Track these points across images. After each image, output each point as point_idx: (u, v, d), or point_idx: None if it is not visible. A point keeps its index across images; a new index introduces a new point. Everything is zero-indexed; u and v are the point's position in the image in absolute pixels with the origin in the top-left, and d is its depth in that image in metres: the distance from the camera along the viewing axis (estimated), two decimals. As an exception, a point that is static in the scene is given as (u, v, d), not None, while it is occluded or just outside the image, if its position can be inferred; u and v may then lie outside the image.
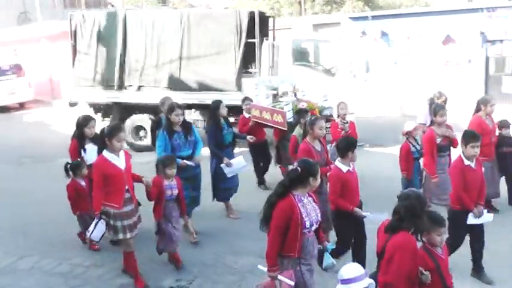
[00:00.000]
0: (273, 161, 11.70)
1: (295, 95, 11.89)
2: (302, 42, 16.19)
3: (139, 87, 15.96)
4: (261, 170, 11.65)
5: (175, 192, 7.45)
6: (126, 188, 6.81)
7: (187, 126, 8.55)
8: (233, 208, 9.76)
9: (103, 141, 6.78)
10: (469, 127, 8.81)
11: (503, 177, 9.77)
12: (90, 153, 8.12)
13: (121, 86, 16.10)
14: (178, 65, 15.46)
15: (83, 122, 8.41)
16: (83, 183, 8.22)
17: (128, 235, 6.83)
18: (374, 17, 21.86)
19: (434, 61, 21.49)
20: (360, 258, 6.81)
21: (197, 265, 7.42)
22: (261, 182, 11.65)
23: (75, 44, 16.47)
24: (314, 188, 5.35)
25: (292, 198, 5.12)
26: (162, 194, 7.29)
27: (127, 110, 16.38)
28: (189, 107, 13.82)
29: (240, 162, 9.48)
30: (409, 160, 9.25)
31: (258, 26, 14.74)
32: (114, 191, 6.70)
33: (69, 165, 8.26)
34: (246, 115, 11.38)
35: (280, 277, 5.09)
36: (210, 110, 9.71)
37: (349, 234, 7.00)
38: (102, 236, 6.81)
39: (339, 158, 6.91)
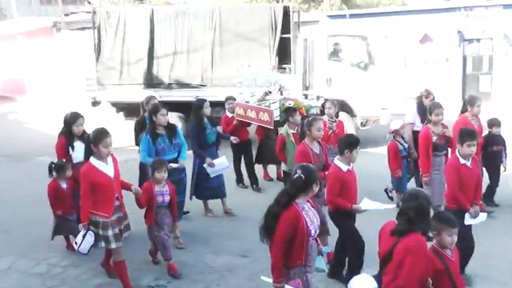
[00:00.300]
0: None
1: (281, 93, 11.40)
2: (337, 37, 15.85)
3: (168, 85, 15.67)
4: (239, 168, 11.40)
5: (167, 198, 7.23)
6: (116, 196, 6.51)
7: (171, 128, 8.26)
8: (210, 207, 9.65)
9: (89, 147, 6.43)
10: (454, 127, 8.72)
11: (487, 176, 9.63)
12: (79, 151, 7.83)
13: (149, 84, 15.79)
14: (210, 61, 15.22)
15: (71, 119, 8.07)
16: (64, 185, 7.88)
17: (120, 243, 6.51)
18: (352, 16, 21.90)
19: (412, 60, 21.63)
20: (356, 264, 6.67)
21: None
22: (240, 180, 11.48)
23: (99, 41, 16.21)
24: (314, 194, 5.20)
25: (296, 207, 4.94)
26: (153, 200, 7.09)
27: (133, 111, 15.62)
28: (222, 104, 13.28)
29: (223, 162, 9.34)
30: (398, 159, 9.21)
31: (289, 21, 14.66)
32: (103, 199, 6.38)
33: (53, 165, 7.94)
34: (229, 114, 11.15)
35: (287, 287, 4.95)
36: (193, 109, 9.44)
37: (355, 231, 6.67)
38: (91, 248, 6.45)
39: (338, 157, 6.70)
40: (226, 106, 11.29)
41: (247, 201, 10.06)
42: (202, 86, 15.20)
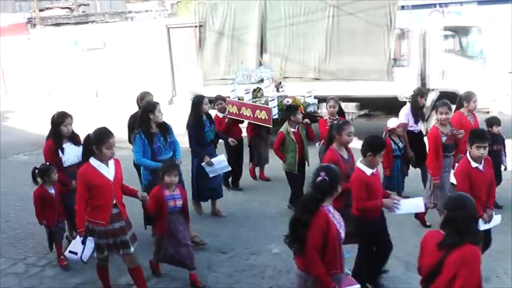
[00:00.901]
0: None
1: (277, 90, 10.82)
2: (451, 29, 15.31)
3: (282, 79, 14.67)
4: (235, 169, 10.71)
5: (179, 203, 6.69)
6: (114, 202, 6.03)
7: (165, 127, 7.79)
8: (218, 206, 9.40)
9: (90, 148, 5.92)
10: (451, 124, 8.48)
11: None
12: (69, 153, 7.45)
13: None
14: (324, 54, 14.46)
15: (59, 119, 7.45)
16: (52, 190, 7.37)
17: (115, 253, 6.15)
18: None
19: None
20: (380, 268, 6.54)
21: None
22: (235, 182, 11.05)
23: (204, 35, 15.87)
24: (336, 195, 4.88)
25: (324, 211, 4.63)
26: (164, 206, 6.54)
27: None
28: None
29: (222, 161, 9.00)
30: (390, 158, 8.99)
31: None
32: (101, 205, 5.92)
33: (37, 171, 7.35)
34: (220, 115, 10.62)
35: None
36: (192, 106, 8.98)
37: (374, 241, 6.35)
38: (92, 254, 6.03)
39: (360, 159, 6.23)
40: (216, 107, 10.70)
41: (226, 198, 9.98)
42: (317, 79, 14.45)
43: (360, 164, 6.18)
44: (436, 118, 8.16)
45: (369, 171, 6.07)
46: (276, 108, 10.11)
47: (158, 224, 6.66)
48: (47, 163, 7.39)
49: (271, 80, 11.00)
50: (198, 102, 8.90)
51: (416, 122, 9.49)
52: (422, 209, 6.72)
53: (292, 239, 4.73)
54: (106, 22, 30.51)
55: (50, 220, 7.39)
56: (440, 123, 8.07)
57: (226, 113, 10.61)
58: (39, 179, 7.36)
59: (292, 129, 8.94)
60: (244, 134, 11.25)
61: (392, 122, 9.24)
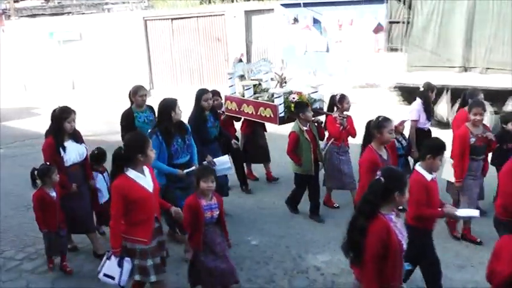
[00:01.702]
0: None
1: (280, 85, 9.85)
2: None
3: (484, 69, 14.12)
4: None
5: (217, 213, 5.95)
6: (155, 215, 5.50)
7: (183, 127, 7.29)
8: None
9: (126, 158, 5.30)
10: (454, 123, 8.28)
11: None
12: (71, 151, 7.04)
13: (464, 67, 14.43)
14: None
15: (63, 115, 6.97)
16: (53, 193, 6.86)
17: (162, 276, 5.57)
18: (306, 4, 21.94)
19: (366, 49, 21.82)
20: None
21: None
22: (244, 183, 10.37)
23: (412, 18, 15.30)
24: (399, 206, 4.51)
25: (383, 218, 4.22)
26: (201, 217, 5.80)
27: (454, 96, 13.62)
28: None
29: (225, 162, 8.27)
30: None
31: None
32: (141, 220, 5.29)
33: (36, 172, 6.80)
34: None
35: None
36: (195, 99, 8.50)
37: (434, 253, 5.83)
38: (129, 277, 5.41)
39: (419, 163, 5.83)
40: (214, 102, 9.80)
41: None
42: None
43: (418, 167, 5.77)
44: (468, 118, 7.60)
45: (428, 176, 5.66)
46: (283, 105, 9.30)
47: (194, 238, 5.89)
48: (47, 163, 6.87)
49: (276, 75, 10.11)
50: (199, 95, 8.47)
51: (428, 119, 9.20)
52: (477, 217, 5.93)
53: (349, 246, 4.36)
54: (82, 13, 30.23)
55: (51, 226, 6.86)
56: (472, 123, 7.52)
57: (223, 109, 10.10)
58: (38, 181, 6.81)
59: (305, 128, 8.40)
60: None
61: (396, 121, 8.57)
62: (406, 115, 9.26)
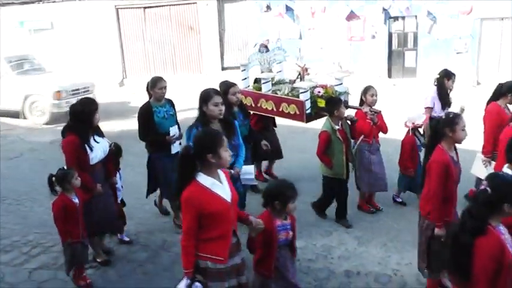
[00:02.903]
0: None
1: (300, 78, 8.79)
2: None
3: None
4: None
5: (291, 234, 5.08)
6: (233, 229, 4.54)
7: (230, 124, 6.36)
8: None
9: (194, 161, 4.33)
10: (486, 116, 7.71)
11: None
12: (96, 148, 6.35)
13: None
14: None
15: (92, 107, 6.31)
16: (76, 199, 6.06)
17: None
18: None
19: (339, 36, 21.90)
20: None
21: (110, 244, 7.28)
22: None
23: None
24: (509, 216, 3.80)
25: (496, 234, 3.69)
26: (275, 240, 4.93)
27: None
28: None
29: (249, 172, 7.02)
30: (414, 155, 8.21)
31: None
32: (218, 236, 4.35)
33: (53, 177, 6.00)
34: None
35: None
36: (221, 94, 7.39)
37: None
38: None
39: (507, 165, 5.19)
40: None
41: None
42: None
43: (507, 169, 5.15)
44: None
45: None
46: (309, 101, 8.28)
47: (264, 263, 5.00)
48: (63, 167, 6.08)
49: (298, 65, 9.03)
50: (225, 90, 7.58)
51: (443, 108, 8.54)
52: None
53: (454, 267, 3.89)
54: (53, 2, 29.82)
55: (75, 236, 6.07)
56: None
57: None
58: (57, 188, 6.03)
59: (337, 127, 7.52)
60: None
61: (418, 118, 8.29)
62: (424, 104, 8.79)
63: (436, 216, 5.36)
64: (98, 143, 6.37)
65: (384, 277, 6.39)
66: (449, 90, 8.78)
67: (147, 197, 8.09)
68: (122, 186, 7.37)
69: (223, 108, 6.25)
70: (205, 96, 6.24)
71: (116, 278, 6.60)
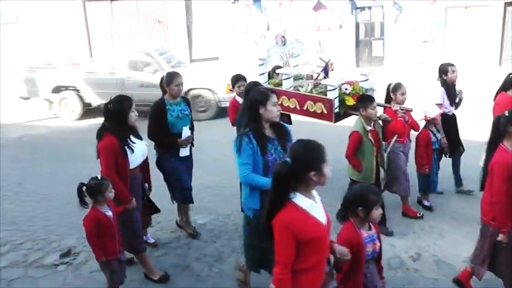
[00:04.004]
0: None
1: (326, 73, 8.04)
2: None
3: None
4: None
5: (378, 245, 4.52)
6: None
7: (283, 129, 5.25)
8: None
9: (290, 179, 3.58)
10: (495, 107, 7.49)
11: None
12: (137, 152, 5.83)
13: None
14: None
15: (126, 104, 5.75)
16: (109, 212, 5.38)
17: None
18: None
19: (307, 26, 21.99)
20: None
21: (81, 239, 7.27)
22: None
23: None
24: None
25: None
26: (362, 254, 4.30)
27: None
28: None
29: None
30: (429, 152, 7.73)
31: None
32: (313, 266, 3.67)
33: (84, 188, 5.27)
34: (240, 100, 8.08)
35: None
36: (246, 95, 6.73)
37: None
38: None
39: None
40: (236, 89, 8.34)
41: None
42: None
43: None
44: None
45: None
46: (337, 99, 7.41)
47: (352, 281, 4.37)
48: (96, 176, 5.35)
49: (322, 60, 8.28)
50: (249, 89, 6.65)
51: (451, 103, 8.18)
52: None
53: None
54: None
55: (111, 252, 5.42)
56: None
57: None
58: (88, 200, 5.33)
59: (369, 127, 6.86)
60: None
61: (431, 111, 7.75)
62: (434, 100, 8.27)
63: (502, 222, 4.98)
64: (135, 144, 5.81)
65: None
66: (455, 84, 8.27)
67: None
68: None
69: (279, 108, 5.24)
70: (263, 96, 5.06)
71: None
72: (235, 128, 7.62)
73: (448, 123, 8.02)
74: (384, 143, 7.37)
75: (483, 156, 7.26)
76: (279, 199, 3.60)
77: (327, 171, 3.57)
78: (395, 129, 7.32)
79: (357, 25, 22.51)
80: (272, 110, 4.99)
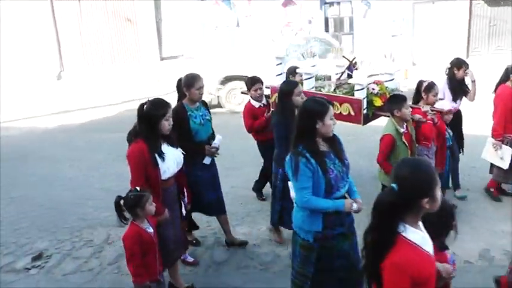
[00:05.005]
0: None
1: (350, 71, 7.50)
2: None
3: None
4: (263, 173, 8.19)
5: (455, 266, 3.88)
6: None
7: (334, 139, 4.66)
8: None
9: (396, 210, 2.92)
10: (497, 99, 7.46)
11: None
12: (169, 160, 5.19)
13: None
14: None
15: (159, 111, 5.08)
16: (151, 229, 4.84)
17: None
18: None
19: (276, 23, 22.04)
20: None
21: (52, 242, 7.24)
22: (260, 189, 8.48)
23: None
24: None
25: None
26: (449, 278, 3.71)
27: None
28: None
29: None
30: (444, 151, 7.35)
31: None
32: None
33: (122, 201, 4.71)
34: (255, 104, 7.78)
35: None
36: (281, 97, 6.35)
37: None
38: None
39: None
40: (252, 92, 7.80)
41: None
42: None
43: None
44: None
45: None
46: (366, 99, 6.84)
47: None
48: (136, 189, 4.78)
49: (346, 58, 7.77)
50: (288, 91, 6.24)
51: (454, 100, 7.93)
52: None
53: None
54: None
55: (152, 273, 4.88)
56: None
57: (267, 102, 7.86)
58: (127, 215, 4.76)
59: (402, 129, 6.35)
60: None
61: (444, 106, 7.44)
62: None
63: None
64: (170, 153, 5.24)
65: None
66: (464, 80, 8.06)
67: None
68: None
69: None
70: (323, 108, 4.45)
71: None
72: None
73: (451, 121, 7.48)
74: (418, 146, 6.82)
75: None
76: (388, 236, 2.93)
77: (439, 194, 2.96)
78: (426, 132, 6.81)
79: (326, 20, 22.64)
80: (330, 125, 4.46)
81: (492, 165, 7.80)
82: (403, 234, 2.89)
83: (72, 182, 8.81)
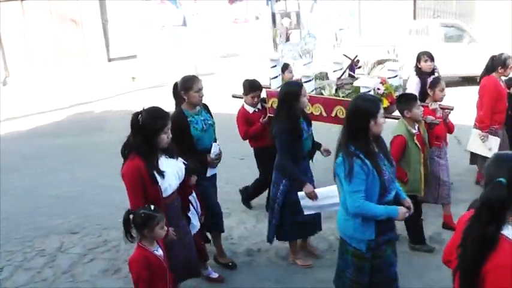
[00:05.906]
0: None
1: (352, 71, 7.07)
2: None
3: None
4: (261, 184, 7.62)
5: None
6: None
7: (382, 141, 4.51)
8: (312, 245, 6.58)
9: (506, 208, 2.67)
10: (481, 90, 7.39)
11: None
12: (169, 175, 4.60)
13: None
14: None
15: (157, 123, 4.47)
16: (159, 251, 4.41)
17: None
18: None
19: (223, 19, 22.06)
20: None
21: (2, 254, 7.09)
22: (249, 198, 7.99)
23: None
24: None
25: None
26: None
27: None
28: None
29: (333, 195, 5.10)
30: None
31: None
32: None
33: (131, 218, 4.25)
34: (250, 109, 7.28)
35: None
36: (283, 99, 5.70)
37: None
38: None
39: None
40: (249, 99, 7.25)
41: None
42: None
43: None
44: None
45: None
46: None
47: None
48: (149, 205, 4.29)
49: (346, 57, 7.33)
50: (293, 93, 5.63)
51: (421, 97, 6.99)
52: None
53: None
54: None
55: None
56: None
57: (263, 107, 7.33)
58: (135, 234, 4.32)
59: (414, 131, 5.98)
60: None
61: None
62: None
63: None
64: (170, 166, 4.68)
65: (283, 250, 6.51)
66: (433, 71, 7.80)
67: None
68: (196, 209, 5.40)
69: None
70: (373, 108, 4.26)
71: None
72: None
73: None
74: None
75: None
76: (493, 235, 2.65)
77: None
78: (437, 132, 6.45)
79: (273, 15, 22.74)
80: (382, 123, 4.29)
81: (473, 156, 7.84)
82: (505, 234, 2.66)
83: (22, 190, 8.66)
